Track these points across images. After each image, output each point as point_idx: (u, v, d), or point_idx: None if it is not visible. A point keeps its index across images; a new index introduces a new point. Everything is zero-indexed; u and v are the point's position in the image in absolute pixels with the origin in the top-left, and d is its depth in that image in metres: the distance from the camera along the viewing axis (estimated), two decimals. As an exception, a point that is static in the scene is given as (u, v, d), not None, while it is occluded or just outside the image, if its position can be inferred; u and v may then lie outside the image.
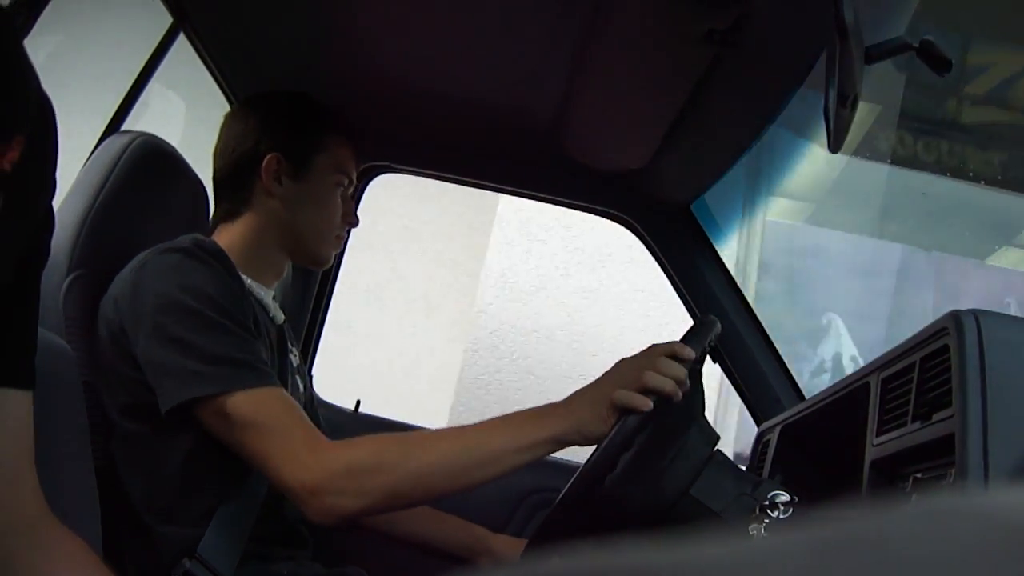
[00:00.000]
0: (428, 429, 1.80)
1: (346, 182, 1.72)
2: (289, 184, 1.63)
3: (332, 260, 1.82)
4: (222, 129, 1.71)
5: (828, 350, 4.77)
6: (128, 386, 1.39)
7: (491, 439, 1.36)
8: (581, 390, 1.37)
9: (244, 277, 1.51)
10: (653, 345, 1.36)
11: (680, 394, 1.30)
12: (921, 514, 0.22)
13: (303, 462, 1.31)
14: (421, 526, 1.88)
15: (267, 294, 1.63)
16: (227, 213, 1.65)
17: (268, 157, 1.62)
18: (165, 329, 1.34)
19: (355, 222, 1.77)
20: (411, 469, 1.34)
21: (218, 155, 1.67)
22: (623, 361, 1.36)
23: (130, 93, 1.76)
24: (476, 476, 1.34)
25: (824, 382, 4.54)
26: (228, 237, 1.60)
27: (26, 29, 1.27)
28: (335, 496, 1.30)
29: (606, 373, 1.36)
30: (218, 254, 1.44)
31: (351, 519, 1.34)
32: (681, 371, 1.31)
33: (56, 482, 1.01)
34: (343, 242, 1.76)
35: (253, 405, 1.33)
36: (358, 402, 2.23)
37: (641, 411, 1.26)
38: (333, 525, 1.34)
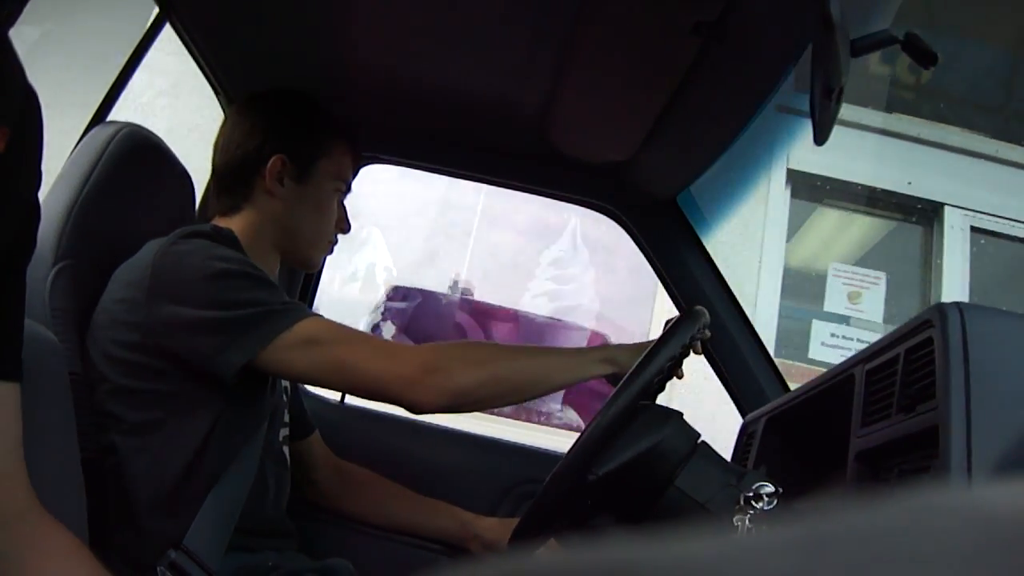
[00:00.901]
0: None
1: (344, 188, 1.74)
2: (291, 186, 1.65)
3: (320, 264, 1.84)
4: (226, 123, 1.72)
5: (363, 260, 4.94)
6: (141, 375, 1.40)
7: (559, 355, 1.63)
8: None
9: None
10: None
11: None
12: (907, 509, 0.23)
13: (405, 351, 1.45)
14: (408, 513, 1.89)
15: None
16: (226, 207, 1.66)
17: (273, 158, 1.63)
18: (219, 295, 1.38)
19: (347, 229, 1.78)
20: (505, 359, 1.53)
21: (221, 149, 1.68)
22: None
23: (116, 83, 1.75)
24: (552, 381, 1.54)
25: (356, 289, 4.75)
26: None
27: (11, 20, 1.27)
28: (447, 373, 1.41)
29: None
30: (235, 242, 1.49)
31: (462, 394, 1.43)
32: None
33: (42, 475, 1.01)
34: (333, 247, 1.77)
35: (325, 327, 1.42)
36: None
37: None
38: (446, 404, 1.42)
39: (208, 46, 1.84)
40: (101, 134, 1.52)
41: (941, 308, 1.02)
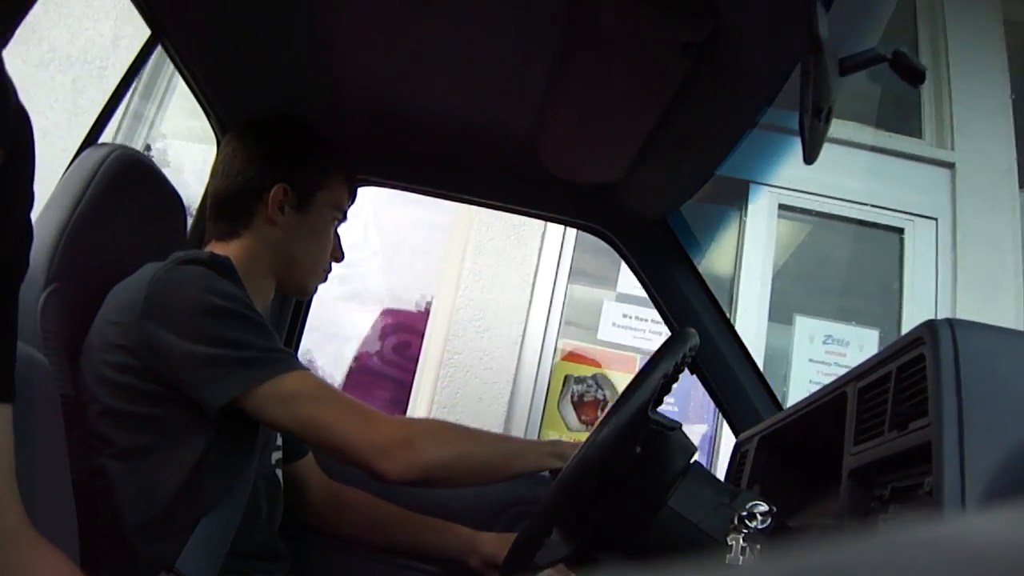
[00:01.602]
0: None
1: (341, 217, 1.76)
2: (291, 215, 1.67)
3: (313, 291, 1.85)
4: (225, 148, 1.73)
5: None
6: (134, 398, 1.39)
7: (515, 443, 1.67)
8: None
9: None
10: None
11: None
12: (889, 544, 0.23)
13: (382, 421, 1.44)
14: (406, 533, 1.88)
15: None
16: (223, 233, 1.67)
17: (275, 187, 1.65)
18: (211, 331, 1.38)
19: (341, 257, 1.80)
20: (474, 443, 1.55)
21: (221, 174, 1.69)
22: None
23: (108, 105, 1.75)
24: (508, 469, 1.54)
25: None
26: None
27: (5, 41, 1.27)
28: (419, 449, 1.42)
29: None
30: (233, 271, 1.49)
31: (429, 471, 1.44)
32: None
33: (33, 496, 1.00)
34: (327, 275, 1.78)
35: (310, 383, 1.42)
36: None
37: None
38: (413, 478, 1.42)
39: (200, 69, 1.84)
40: (93, 156, 1.52)
41: (932, 325, 1.02)
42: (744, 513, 1.25)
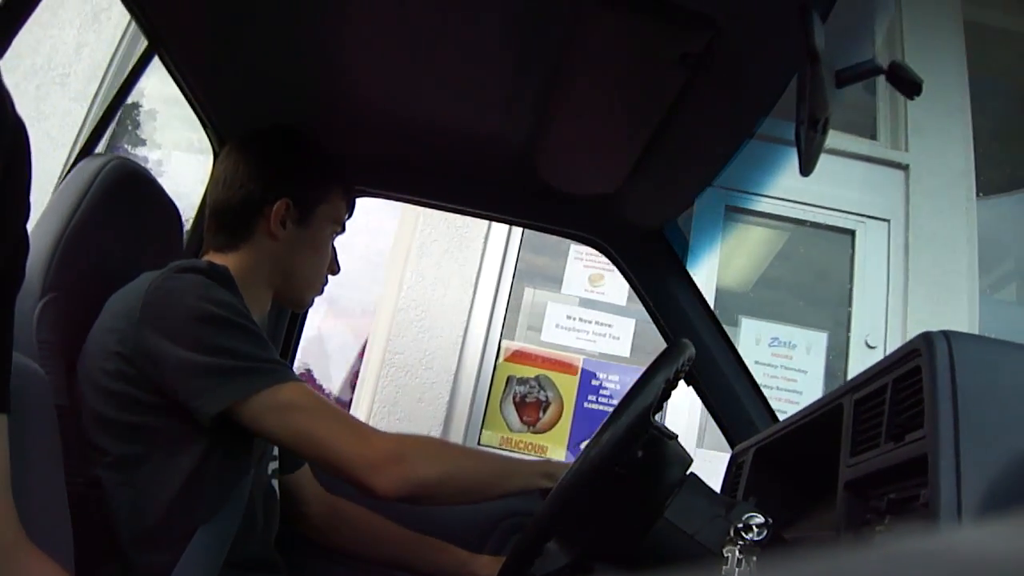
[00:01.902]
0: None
1: (339, 230, 1.77)
2: (292, 229, 1.68)
3: (310, 304, 1.85)
4: (226, 160, 1.72)
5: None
6: (129, 406, 1.39)
7: (506, 462, 1.66)
8: None
9: None
10: None
11: None
12: (885, 557, 0.23)
13: (375, 436, 1.44)
14: (404, 551, 1.88)
15: None
16: (222, 244, 1.67)
17: (279, 202, 1.65)
18: (207, 339, 1.37)
19: (337, 270, 1.81)
20: (467, 460, 1.57)
21: (222, 186, 1.69)
22: None
23: (104, 115, 1.75)
24: (499, 488, 1.54)
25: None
26: None
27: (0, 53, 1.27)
28: (411, 465, 1.42)
29: None
30: (231, 281, 1.49)
31: (420, 488, 1.43)
32: None
33: (29, 508, 1.00)
34: (324, 288, 1.79)
35: (305, 395, 1.42)
36: None
37: None
38: (405, 494, 1.41)
39: (197, 80, 1.84)
40: (89, 166, 1.52)
41: (928, 337, 1.02)
42: (740, 525, 1.25)
